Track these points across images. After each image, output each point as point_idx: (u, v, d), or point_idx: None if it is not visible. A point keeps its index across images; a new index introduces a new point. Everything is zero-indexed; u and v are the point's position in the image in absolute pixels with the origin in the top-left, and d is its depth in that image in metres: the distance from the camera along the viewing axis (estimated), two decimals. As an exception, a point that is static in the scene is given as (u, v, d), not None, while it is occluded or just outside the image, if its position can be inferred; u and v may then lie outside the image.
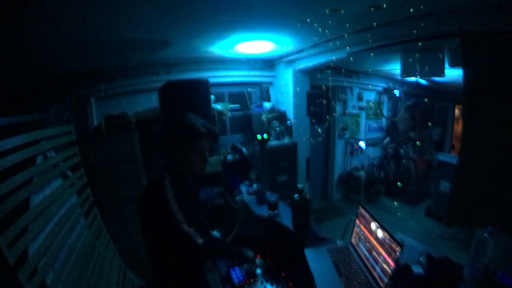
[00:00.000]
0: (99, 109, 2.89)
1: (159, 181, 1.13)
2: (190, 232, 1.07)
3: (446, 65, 2.34)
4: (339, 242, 1.43)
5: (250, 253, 1.38)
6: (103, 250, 2.02)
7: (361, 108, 4.78)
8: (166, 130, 1.26)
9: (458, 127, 5.83)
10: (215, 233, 1.57)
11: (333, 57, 2.79)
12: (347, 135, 4.66)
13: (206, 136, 1.21)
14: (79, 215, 1.86)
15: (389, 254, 1.04)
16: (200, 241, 1.08)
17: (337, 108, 4.49)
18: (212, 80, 2.71)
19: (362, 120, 4.87)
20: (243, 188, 2.87)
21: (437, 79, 4.49)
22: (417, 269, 1.09)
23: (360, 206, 1.35)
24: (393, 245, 1.03)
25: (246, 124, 3.63)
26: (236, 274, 1.41)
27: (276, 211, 1.70)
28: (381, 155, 5.02)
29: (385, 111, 5.20)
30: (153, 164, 2.75)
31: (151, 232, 1.17)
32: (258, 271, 1.42)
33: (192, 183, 1.38)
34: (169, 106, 2.46)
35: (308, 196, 1.49)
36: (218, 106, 3.05)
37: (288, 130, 3.56)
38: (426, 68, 2.42)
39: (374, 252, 1.15)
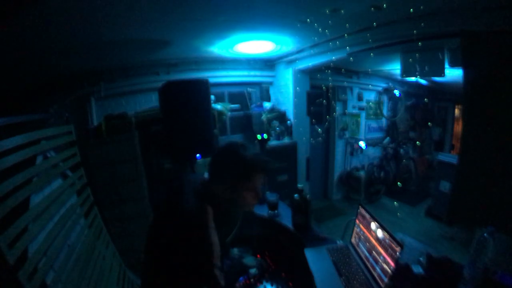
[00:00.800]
0: (99, 109, 2.89)
1: (202, 219, 0.95)
2: (219, 277, 0.92)
3: (446, 65, 2.34)
4: (339, 242, 1.43)
5: (250, 261, 1.34)
6: (103, 250, 2.02)
7: (361, 108, 4.78)
8: (218, 164, 1.09)
9: (458, 127, 5.84)
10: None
11: (333, 57, 2.79)
12: (347, 135, 4.65)
13: (263, 171, 1.08)
14: (79, 215, 1.86)
15: (389, 254, 1.04)
16: (222, 283, 0.92)
17: (337, 108, 4.49)
18: (212, 80, 2.70)
19: (362, 120, 4.87)
20: (243, 188, 2.87)
21: (437, 79, 4.49)
22: (417, 269, 1.09)
23: (360, 206, 1.35)
24: (393, 245, 1.03)
25: (246, 124, 3.63)
26: (236, 274, 1.41)
27: (276, 211, 1.70)
28: (381, 155, 5.03)
29: (385, 111, 5.20)
30: (154, 164, 2.75)
31: (171, 267, 0.95)
32: (254, 270, 1.42)
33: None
34: (169, 106, 2.46)
35: (308, 196, 1.49)
36: (218, 106, 3.05)
37: (288, 130, 3.56)
38: (426, 68, 2.42)
39: (374, 252, 1.15)
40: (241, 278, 1.39)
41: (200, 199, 1.00)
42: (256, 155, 1.08)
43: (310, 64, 3.16)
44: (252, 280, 1.37)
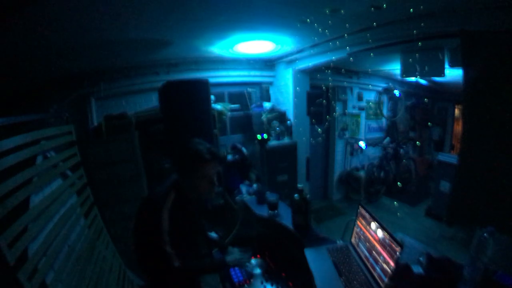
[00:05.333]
0: (99, 109, 2.89)
1: (162, 198, 1.15)
2: (169, 254, 1.08)
3: (446, 65, 2.34)
4: (339, 242, 1.43)
5: (232, 257, 1.31)
6: (103, 250, 2.02)
7: (361, 108, 4.78)
8: (173, 156, 1.35)
9: (458, 127, 5.83)
10: (213, 235, 1.57)
11: (333, 57, 2.79)
12: (347, 135, 4.65)
13: (211, 161, 1.21)
14: (79, 215, 1.86)
15: (389, 254, 1.04)
16: (176, 264, 1.08)
17: (337, 108, 4.49)
18: (212, 80, 2.70)
19: (362, 120, 4.87)
20: (243, 188, 2.87)
21: (437, 79, 4.49)
22: (417, 269, 1.09)
23: (360, 206, 1.35)
24: (393, 245, 1.03)
25: (246, 124, 3.63)
26: (236, 274, 1.41)
27: (276, 211, 1.70)
28: (381, 155, 5.02)
29: (385, 111, 5.20)
30: (154, 164, 2.75)
31: (137, 244, 1.21)
32: (258, 271, 1.42)
33: (197, 207, 1.39)
34: (169, 106, 2.46)
35: (308, 196, 1.49)
36: (218, 106, 3.05)
37: (288, 130, 3.56)
38: (426, 68, 2.42)
39: (374, 252, 1.15)
40: (240, 277, 1.38)
41: (169, 187, 1.20)
42: (206, 148, 1.21)
43: (310, 64, 3.16)
44: (251, 280, 1.37)
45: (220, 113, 3.05)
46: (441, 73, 2.38)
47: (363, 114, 4.85)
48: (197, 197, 1.30)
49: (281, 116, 3.58)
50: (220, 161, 1.29)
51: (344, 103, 4.55)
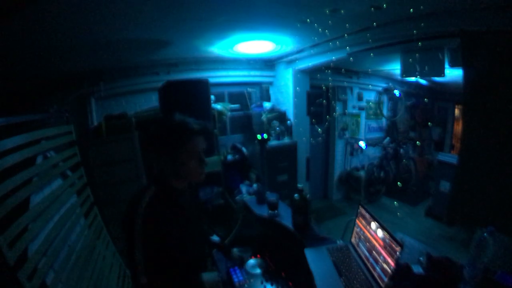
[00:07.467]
0: (99, 109, 2.90)
1: (134, 204, 0.92)
2: (139, 263, 0.87)
3: (446, 65, 2.34)
4: (339, 242, 1.43)
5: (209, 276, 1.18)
6: (103, 250, 2.02)
7: (361, 108, 4.79)
8: (151, 135, 1.05)
9: (458, 127, 5.83)
10: (215, 238, 1.57)
11: (333, 57, 2.79)
12: (347, 135, 4.66)
13: (200, 133, 1.03)
14: (79, 215, 1.86)
15: (389, 254, 1.04)
16: (143, 280, 0.87)
17: (337, 108, 4.49)
18: (212, 80, 2.71)
19: (362, 120, 4.87)
20: (243, 188, 2.87)
21: (437, 79, 4.49)
22: (417, 269, 1.09)
23: (360, 206, 1.35)
24: (393, 245, 1.03)
25: (246, 124, 3.63)
26: (236, 274, 1.41)
27: (276, 211, 1.70)
28: (381, 155, 5.02)
29: (385, 111, 5.20)
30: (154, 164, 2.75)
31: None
32: (258, 271, 1.42)
33: (189, 195, 1.16)
34: (169, 106, 2.46)
35: (308, 196, 1.49)
36: (218, 106, 3.05)
37: (288, 130, 3.56)
38: (426, 68, 2.41)
39: (374, 252, 1.15)
40: (240, 277, 1.38)
41: (149, 183, 1.02)
42: (191, 119, 1.04)
43: (310, 64, 3.16)
44: (252, 280, 1.37)
45: (220, 113, 3.05)
46: (441, 73, 2.38)
47: (363, 114, 4.85)
48: (186, 183, 1.10)
49: (281, 116, 3.59)
50: (209, 132, 1.11)
51: (344, 103, 4.55)
